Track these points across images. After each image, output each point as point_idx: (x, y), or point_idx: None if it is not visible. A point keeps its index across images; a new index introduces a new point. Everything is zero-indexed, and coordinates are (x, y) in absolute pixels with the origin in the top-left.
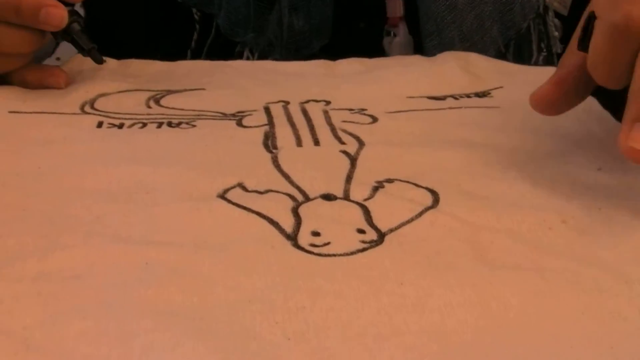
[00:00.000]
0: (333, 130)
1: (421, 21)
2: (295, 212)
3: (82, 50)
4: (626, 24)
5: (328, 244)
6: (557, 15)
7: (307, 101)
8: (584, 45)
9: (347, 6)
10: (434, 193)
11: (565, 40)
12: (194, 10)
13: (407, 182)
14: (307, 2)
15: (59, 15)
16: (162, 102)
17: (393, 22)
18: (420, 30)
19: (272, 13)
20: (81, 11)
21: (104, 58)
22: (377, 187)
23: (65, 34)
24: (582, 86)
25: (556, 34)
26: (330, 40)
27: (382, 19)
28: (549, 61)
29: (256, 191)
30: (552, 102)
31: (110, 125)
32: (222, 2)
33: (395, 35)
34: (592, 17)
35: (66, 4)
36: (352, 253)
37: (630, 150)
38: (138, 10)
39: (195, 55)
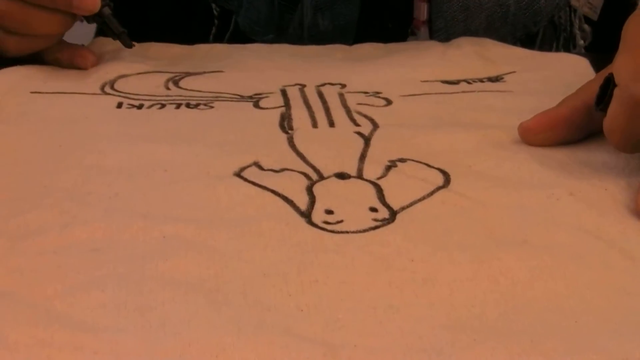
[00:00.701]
0: (348, 112)
1: (432, 18)
2: (309, 190)
3: (113, 34)
4: None
5: (341, 221)
6: (587, 20)
7: (323, 84)
8: (601, 106)
9: (374, 7)
10: (445, 173)
11: (592, 46)
12: (214, 5)
13: (420, 162)
14: (332, 3)
15: (92, 0)
16: (181, 83)
17: (417, 24)
18: (432, 27)
19: (295, 13)
20: None
21: (133, 42)
22: (390, 166)
23: (97, 17)
24: (575, 130)
25: (582, 42)
26: (354, 40)
27: (409, 20)
28: None
29: (272, 170)
30: (539, 135)
31: (129, 106)
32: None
33: (416, 35)
34: (611, 80)
35: None
36: (364, 230)
37: None
38: (158, 3)
39: None
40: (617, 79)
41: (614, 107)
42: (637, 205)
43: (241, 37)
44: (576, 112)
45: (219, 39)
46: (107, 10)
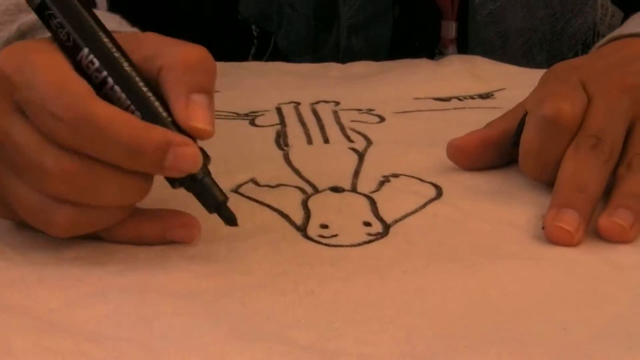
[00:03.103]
0: (342, 129)
1: (470, 44)
2: (304, 204)
3: (208, 204)
4: (556, 117)
5: (336, 235)
6: None
7: (318, 102)
8: (516, 139)
9: (405, 26)
10: (437, 187)
11: None
12: (253, 27)
13: (412, 177)
14: (367, 24)
15: (193, 156)
16: None
17: (445, 43)
18: (468, 52)
19: (331, 34)
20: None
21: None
22: (384, 181)
23: (188, 180)
24: (503, 151)
25: None
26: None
27: (437, 39)
28: None
29: (268, 185)
30: (470, 155)
31: None
32: (281, 20)
33: (444, 54)
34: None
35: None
36: (358, 244)
37: (557, 229)
38: (199, 25)
39: None
40: (528, 107)
41: (527, 132)
42: (545, 220)
43: (279, 56)
44: (504, 135)
45: (257, 58)
46: (205, 177)
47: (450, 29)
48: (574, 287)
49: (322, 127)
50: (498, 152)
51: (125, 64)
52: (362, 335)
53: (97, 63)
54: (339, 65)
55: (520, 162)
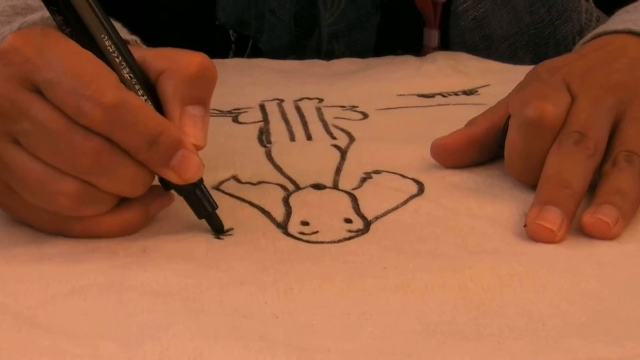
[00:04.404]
0: (325, 126)
1: (453, 48)
2: (285, 201)
3: (200, 213)
4: (539, 119)
5: (316, 232)
6: None
7: (301, 99)
8: (503, 143)
9: (387, 34)
10: (419, 183)
11: None
12: (231, 31)
13: (394, 173)
14: (349, 31)
15: (197, 165)
16: None
17: (427, 51)
18: None
19: (312, 39)
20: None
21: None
22: (365, 177)
23: (186, 188)
24: (485, 150)
25: None
26: None
27: (419, 47)
28: None
29: (249, 182)
30: (453, 153)
31: None
32: (261, 26)
33: None
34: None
35: None
36: (339, 241)
37: (539, 228)
38: (177, 29)
39: None
40: (511, 110)
41: (511, 134)
42: (527, 218)
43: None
44: (486, 133)
45: None
46: (198, 187)
47: (432, 37)
48: (554, 283)
49: (305, 124)
50: (481, 151)
51: (125, 71)
52: (340, 331)
53: None
54: (323, 62)
55: (506, 164)
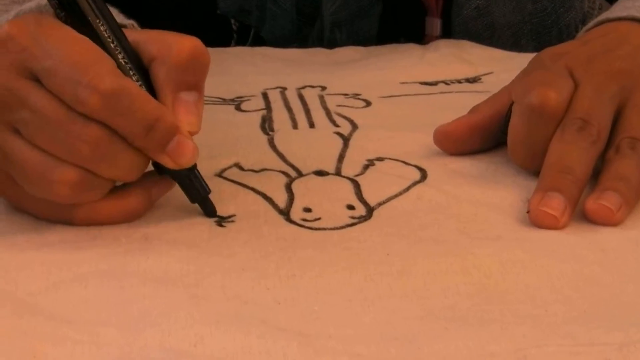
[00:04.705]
0: (328, 113)
1: (457, 36)
2: (288, 188)
3: (193, 198)
4: (542, 105)
5: (319, 219)
6: None
7: (304, 87)
8: (506, 130)
9: (389, 23)
10: (422, 170)
11: None
12: (232, 20)
13: (397, 160)
14: (351, 20)
15: (192, 151)
16: None
17: (429, 40)
18: None
19: (314, 28)
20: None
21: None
22: (368, 165)
23: (180, 173)
24: (489, 138)
25: None
26: None
27: (421, 36)
28: None
29: (252, 170)
30: (456, 140)
31: None
32: (263, 15)
33: None
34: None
35: None
36: (341, 227)
37: (542, 214)
38: (178, 18)
39: None
40: (514, 97)
41: (514, 121)
42: (530, 204)
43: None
44: (489, 120)
45: None
46: (192, 171)
47: (434, 26)
48: (557, 268)
49: (307, 112)
50: (484, 138)
51: (120, 56)
52: (342, 317)
53: None
54: (326, 50)
55: (509, 151)
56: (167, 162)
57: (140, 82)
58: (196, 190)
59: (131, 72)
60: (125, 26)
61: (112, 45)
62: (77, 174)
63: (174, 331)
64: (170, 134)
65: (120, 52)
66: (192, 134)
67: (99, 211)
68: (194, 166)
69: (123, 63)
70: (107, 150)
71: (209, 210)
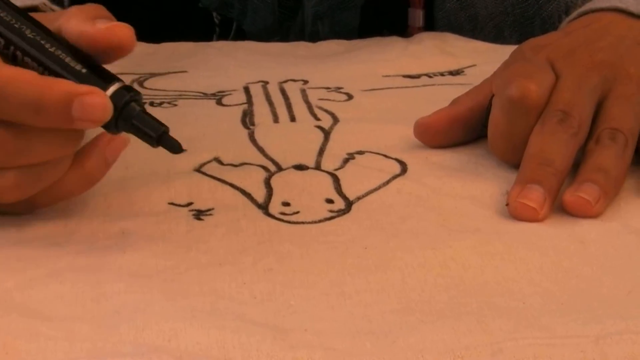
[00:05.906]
0: (309, 107)
1: (439, 29)
2: (267, 182)
3: (149, 139)
4: (522, 98)
5: (297, 212)
6: None
7: (286, 80)
8: (487, 123)
9: (371, 14)
10: (402, 164)
11: None
12: (214, 13)
13: (377, 153)
14: (332, 12)
15: (101, 104)
16: (146, 84)
17: (412, 31)
18: None
19: (296, 21)
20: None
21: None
22: (348, 158)
23: (121, 122)
24: (469, 130)
25: None
26: None
27: (404, 27)
28: None
29: (231, 164)
30: (437, 133)
31: None
32: (245, 8)
33: None
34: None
35: (112, 78)
36: (320, 221)
37: (522, 206)
38: (160, 12)
39: None
40: (494, 90)
41: (494, 114)
42: (509, 197)
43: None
44: (470, 113)
45: None
46: (135, 108)
47: (417, 17)
48: (536, 261)
49: (289, 106)
50: (465, 130)
51: (28, 30)
52: (318, 311)
53: None
54: (308, 44)
55: (489, 144)
56: (84, 126)
57: (55, 48)
58: (151, 131)
59: (42, 42)
60: (37, 7)
61: (16, 26)
62: (15, 175)
63: (148, 326)
64: (64, 103)
65: (27, 29)
66: (128, 39)
67: (61, 187)
68: (137, 110)
69: (31, 36)
70: (17, 146)
71: (172, 146)
